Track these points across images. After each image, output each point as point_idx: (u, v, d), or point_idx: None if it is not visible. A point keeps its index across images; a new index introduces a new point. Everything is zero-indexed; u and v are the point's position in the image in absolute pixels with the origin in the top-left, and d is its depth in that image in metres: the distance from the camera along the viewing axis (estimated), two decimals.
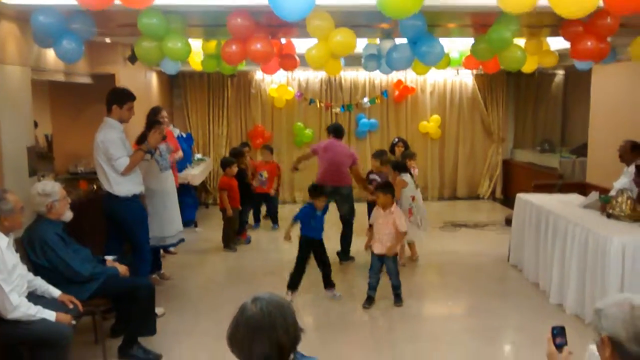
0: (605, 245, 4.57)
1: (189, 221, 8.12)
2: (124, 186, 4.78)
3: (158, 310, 4.80)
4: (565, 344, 2.24)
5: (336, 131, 6.79)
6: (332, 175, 6.55)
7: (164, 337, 4.57)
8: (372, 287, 5.43)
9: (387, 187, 5.50)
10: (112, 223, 4.95)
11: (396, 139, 8.08)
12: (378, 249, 5.36)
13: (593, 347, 2.69)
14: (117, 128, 4.80)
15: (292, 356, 1.98)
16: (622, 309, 1.98)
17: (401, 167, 6.55)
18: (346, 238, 6.79)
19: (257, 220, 8.56)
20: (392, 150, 7.75)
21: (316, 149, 6.88)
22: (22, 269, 3.68)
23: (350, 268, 6.44)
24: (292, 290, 5.47)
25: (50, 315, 3.52)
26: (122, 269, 4.27)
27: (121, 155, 4.70)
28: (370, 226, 5.56)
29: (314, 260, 5.61)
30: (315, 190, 5.56)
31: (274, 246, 7.71)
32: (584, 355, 2.87)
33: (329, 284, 5.61)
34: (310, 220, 5.46)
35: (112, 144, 4.67)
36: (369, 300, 5.41)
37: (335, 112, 10.12)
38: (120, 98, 4.82)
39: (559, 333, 2.24)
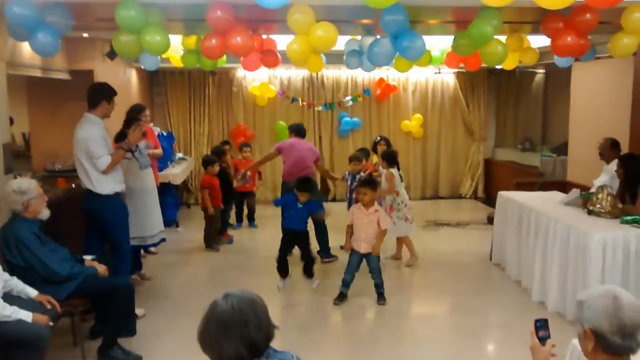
0: (586, 241, 4.59)
1: (170, 221, 8.04)
2: (105, 184, 4.70)
3: (138, 311, 4.73)
4: (548, 337, 2.23)
5: (299, 130, 7.01)
6: (300, 171, 6.57)
7: (145, 338, 4.49)
8: (346, 284, 5.39)
9: (372, 184, 5.46)
10: (92, 221, 4.85)
11: (378, 138, 8.04)
12: (363, 248, 5.31)
13: (575, 342, 2.69)
14: (99, 124, 4.72)
15: (265, 352, 1.95)
16: (605, 301, 1.97)
17: (392, 158, 6.52)
18: (322, 235, 6.70)
19: (239, 219, 8.49)
20: (375, 149, 7.74)
21: (280, 147, 6.93)
22: None
23: (333, 267, 6.40)
24: (282, 277, 5.52)
25: (27, 315, 3.43)
26: (101, 268, 4.18)
27: (103, 153, 4.61)
28: (347, 225, 5.46)
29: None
30: (304, 183, 5.53)
31: (255, 245, 7.65)
32: (566, 352, 2.87)
33: (308, 273, 5.63)
34: (290, 210, 5.44)
35: (93, 141, 4.58)
36: (341, 297, 5.38)
37: (317, 110, 10.09)
38: (108, 94, 4.78)
39: (542, 326, 2.23)
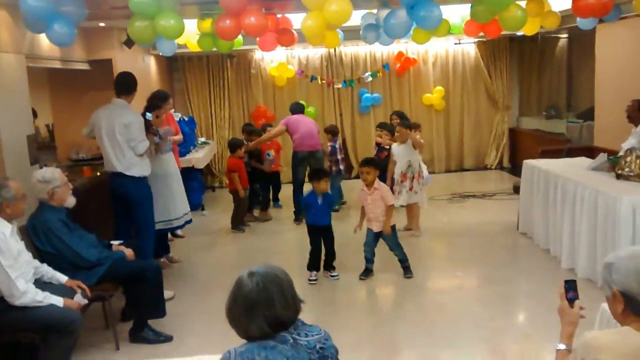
0: (615, 206, 4.50)
1: (195, 205, 8.10)
2: (138, 167, 4.93)
3: (167, 293, 4.80)
4: (577, 297, 2.20)
5: (298, 108, 7.83)
6: (309, 140, 7.47)
7: (175, 319, 4.57)
8: (369, 260, 5.41)
9: (375, 163, 5.45)
10: (119, 204, 5.01)
11: (392, 112, 8.08)
12: (377, 227, 5.32)
13: (605, 306, 2.65)
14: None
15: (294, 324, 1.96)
16: (634, 261, 1.93)
17: (412, 125, 6.52)
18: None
19: (272, 199, 8.48)
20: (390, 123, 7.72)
21: (287, 122, 7.62)
22: (28, 255, 3.67)
23: (346, 246, 6.38)
24: (311, 270, 5.45)
25: (58, 301, 3.51)
26: (129, 252, 4.26)
27: (144, 137, 4.91)
28: (361, 207, 5.48)
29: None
30: (315, 173, 5.52)
31: (281, 225, 7.69)
32: (596, 316, 2.83)
33: (328, 267, 5.57)
34: (311, 209, 5.43)
35: (138, 125, 4.87)
36: (366, 272, 5.40)
37: (337, 88, 10.03)
38: (136, 84, 5.09)
39: (570, 287, 2.21)
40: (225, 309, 1.97)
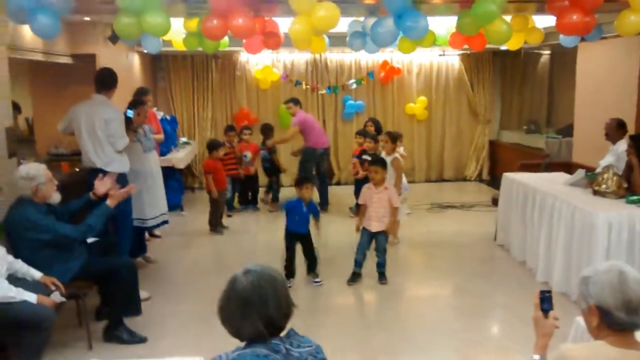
0: (592, 221, 4.58)
1: (174, 205, 8.04)
2: (117, 163, 4.92)
3: (143, 294, 4.77)
4: (552, 308, 2.22)
5: (299, 101, 8.27)
6: (323, 137, 8.20)
7: (150, 319, 4.53)
8: (359, 264, 5.42)
9: (383, 162, 5.47)
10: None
11: (367, 120, 8.14)
12: (376, 226, 5.33)
13: (580, 319, 2.69)
14: None
15: (284, 332, 1.94)
16: (611, 276, 1.96)
17: (398, 138, 6.56)
18: (324, 191, 8.16)
19: (245, 202, 8.50)
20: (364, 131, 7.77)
21: (302, 122, 8.01)
22: (2, 251, 3.61)
23: (334, 249, 6.39)
24: (288, 278, 5.41)
25: (32, 297, 3.45)
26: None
27: (124, 134, 4.93)
28: (360, 205, 5.49)
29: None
30: (300, 180, 5.49)
31: (259, 228, 7.68)
32: (570, 330, 2.87)
33: (312, 270, 5.56)
34: (295, 216, 5.40)
35: (119, 121, 4.88)
36: (355, 277, 5.41)
37: (321, 93, 10.05)
38: (117, 80, 5.07)
39: (545, 298, 2.23)
40: (217, 307, 1.93)
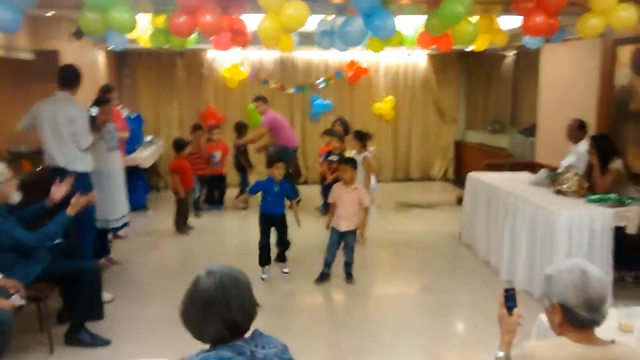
0: (554, 220, 4.67)
1: (139, 205, 7.93)
2: (80, 162, 4.82)
3: (106, 295, 4.69)
4: (515, 306, 2.27)
5: (267, 99, 8.29)
6: (293, 135, 8.25)
7: (113, 322, 4.44)
8: (328, 264, 5.42)
9: (353, 162, 5.48)
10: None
11: (335, 119, 8.16)
12: (345, 226, 5.33)
13: (542, 316, 2.74)
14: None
15: (249, 333, 1.91)
16: (573, 275, 2.00)
17: (366, 138, 6.52)
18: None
19: (212, 202, 8.44)
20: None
21: (271, 121, 7.99)
22: None
23: (301, 248, 6.38)
24: (263, 265, 5.43)
25: None
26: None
27: (88, 132, 4.86)
28: (330, 204, 5.50)
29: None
30: (272, 158, 5.47)
31: (225, 228, 7.62)
32: (533, 327, 2.92)
33: (281, 258, 5.59)
34: (266, 196, 5.37)
35: (83, 120, 4.81)
36: (323, 277, 5.41)
37: (289, 93, 10.02)
38: (80, 78, 4.96)
39: (509, 296, 2.27)
40: (179, 310, 1.90)
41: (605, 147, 5.32)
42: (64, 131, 4.71)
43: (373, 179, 6.93)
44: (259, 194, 5.48)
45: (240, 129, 8.67)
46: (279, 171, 5.33)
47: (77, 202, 4.10)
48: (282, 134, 8.04)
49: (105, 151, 5.30)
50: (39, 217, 4.19)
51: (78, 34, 6.07)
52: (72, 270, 4.04)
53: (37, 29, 6.29)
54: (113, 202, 5.42)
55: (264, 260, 5.47)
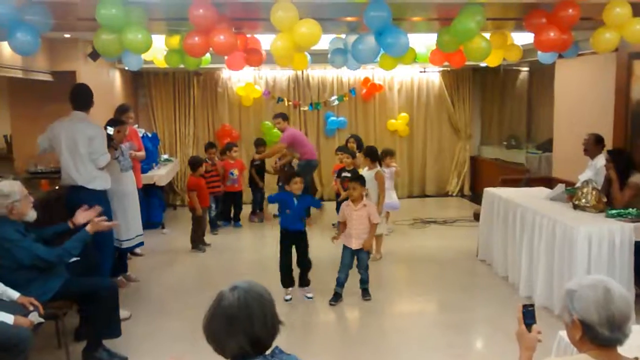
0: (572, 235, 4.61)
1: (156, 223, 7.98)
2: (99, 180, 4.89)
3: (124, 313, 4.69)
4: (535, 322, 2.23)
5: (287, 116, 8.44)
6: (313, 149, 8.43)
7: (131, 339, 4.44)
8: (341, 284, 5.37)
9: (362, 179, 5.46)
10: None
11: (349, 136, 8.16)
12: (356, 244, 5.29)
13: (563, 333, 2.69)
14: None
15: (270, 350, 1.90)
16: (596, 292, 1.96)
17: (376, 155, 6.51)
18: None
19: (228, 219, 8.47)
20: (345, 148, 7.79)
21: (290, 137, 8.08)
22: None
23: (318, 263, 6.35)
24: (286, 287, 5.36)
25: (8, 318, 3.36)
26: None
27: (106, 151, 4.92)
28: (341, 223, 5.46)
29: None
30: (289, 176, 5.42)
31: (242, 245, 7.63)
32: (553, 343, 2.87)
33: (303, 282, 5.50)
34: (285, 209, 5.31)
35: (102, 139, 4.87)
36: (336, 297, 5.35)
37: (303, 110, 10.07)
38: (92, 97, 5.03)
39: (528, 312, 2.24)
40: (203, 324, 1.90)
41: (622, 162, 5.27)
42: (83, 150, 4.77)
43: (394, 195, 6.96)
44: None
45: (259, 144, 8.88)
46: (297, 186, 5.28)
47: (99, 225, 4.13)
48: (305, 148, 8.19)
49: (118, 172, 5.33)
50: (59, 236, 4.22)
51: (94, 55, 6.19)
52: (89, 288, 4.06)
53: (55, 50, 6.42)
54: (125, 223, 5.43)
55: (288, 282, 5.39)
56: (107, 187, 4.99)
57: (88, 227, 4.08)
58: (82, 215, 4.29)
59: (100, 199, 4.81)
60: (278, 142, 8.42)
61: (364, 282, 5.42)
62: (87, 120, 4.88)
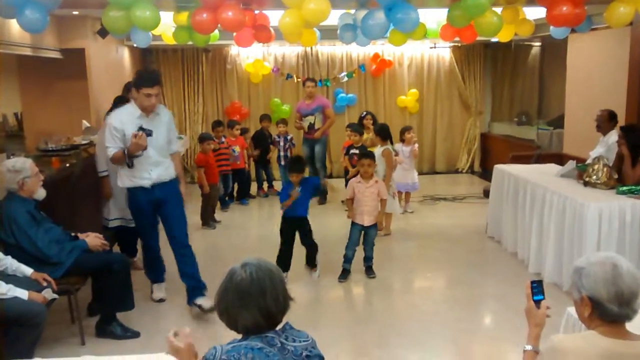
0: (582, 212, 4.60)
1: None
2: (172, 168, 4.64)
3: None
4: (543, 298, 2.24)
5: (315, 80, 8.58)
6: None
7: (144, 314, 4.52)
8: (348, 260, 5.40)
9: (373, 156, 5.45)
10: (152, 214, 4.80)
11: (364, 112, 8.13)
12: (368, 220, 5.31)
13: (571, 309, 2.70)
14: (131, 113, 4.37)
15: (280, 325, 1.94)
16: (604, 268, 1.96)
17: (387, 133, 6.47)
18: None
19: (231, 196, 8.48)
20: (361, 124, 7.76)
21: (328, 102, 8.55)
22: None
23: (323, 242, 6.38)
24: (283, 271, 5.34)
25: (23, 293, 3.43)
26: (92, 241, 4.09)
27: (110, 145, 4.35)
28: (348, 199, 5.45)
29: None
30: (297, 164, 5.34)
31: (250, 222, 7.67)
32: (562, 320, 2.89)
33: (311, 263, 5.53)
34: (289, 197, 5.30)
35: (107, 128, 4.38)
36: (345, 274, 5.38)
37: None
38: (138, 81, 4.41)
39: (537, 288, 2.25)
40: (214, 300, 1.94)
41: (635, 138, 5.21)
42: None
43: (415, 175, 7.27)
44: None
45: (263, 119, 8.97)
46: (293, 179, 5.19)
47: (97, 244, 4.12)
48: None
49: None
50: (61, 241, 4.12)
51: (102, 33, 6.17)
52: (102, 262, 4.11)
53: (63, 28, 6.41)
54: None
55: (283, 266, 5.12)
56: (131, 185, 4.56)
57: (88, 241, 4.09)
58: (97, 242, 4.14)
59: (174, 186, 4.70)
60: (326, 111, 8.34)
61: (369, 260, 5.44)
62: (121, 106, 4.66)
